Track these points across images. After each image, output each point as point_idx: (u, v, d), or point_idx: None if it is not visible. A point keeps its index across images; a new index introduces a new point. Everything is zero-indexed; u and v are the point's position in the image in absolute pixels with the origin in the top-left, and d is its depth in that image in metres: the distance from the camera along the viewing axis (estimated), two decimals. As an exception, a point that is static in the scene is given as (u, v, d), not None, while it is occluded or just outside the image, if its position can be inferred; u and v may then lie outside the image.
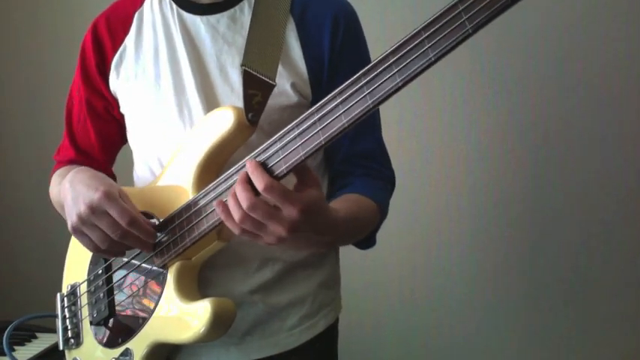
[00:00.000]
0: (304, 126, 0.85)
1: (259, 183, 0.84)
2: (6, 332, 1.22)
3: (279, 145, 0.87)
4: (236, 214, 0.85)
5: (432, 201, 1.90)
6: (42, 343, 1.61)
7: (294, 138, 0.85)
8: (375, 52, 1.14)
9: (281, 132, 0.87)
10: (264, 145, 0.89)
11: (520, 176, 1.82)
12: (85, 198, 0.98)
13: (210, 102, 1.07)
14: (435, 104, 1.86)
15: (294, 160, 0.85)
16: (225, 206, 0.87)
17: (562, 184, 1.78)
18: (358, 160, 1.13)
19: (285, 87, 1.05)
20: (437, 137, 1.87)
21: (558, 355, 1.84)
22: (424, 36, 0.75)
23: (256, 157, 0.89)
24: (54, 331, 1.65)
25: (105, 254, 1.06)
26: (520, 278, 1.85)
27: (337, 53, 1.08)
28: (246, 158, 0.90)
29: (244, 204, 0.84)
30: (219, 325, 0.97)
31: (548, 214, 1.81)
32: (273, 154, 0.87)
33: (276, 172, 0.87)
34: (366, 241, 1.14)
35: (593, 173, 1.74)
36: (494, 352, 1.90)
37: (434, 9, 0.75)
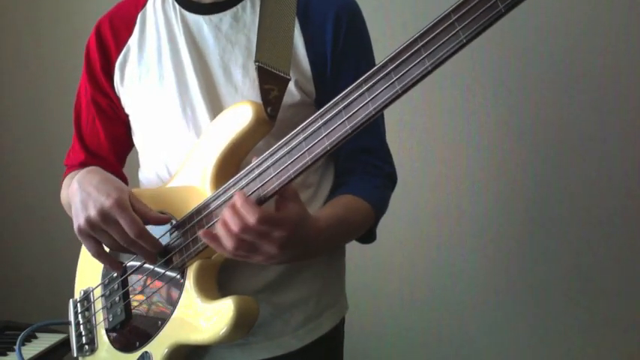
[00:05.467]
0: (293, 143, 0.89)
1: (251, 217, 0.87)
2: (20, 336, 1.22)
3: (270, 161, 0.91)
4: (229, 242, 0.89)
5: (433, 201, 1.90)
6: (42, 343, 1.61)
7: (284, 155, 0.89)
8: (376, 51, 1.14)
9: (272, 148, 0.91)
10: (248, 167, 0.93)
11: (520, 176, 1.82)
12: (96, 203, 0.98)
13: (213, 102, 1.07)
14: (435, 104, 1.86)
15: (285, 177, 0.89)
16: (213, 236, 0.91)
17: (562, 183, 1.78)
18: (360, 156, 1.13)
19: (289, 85, 1.05)
20: (437, 137, 1.87)
21: (559, 355, 1.84)
22: (420, 44, 0.76)
23: (243, 177, 0.93)
24: (54, 331, 1.66)
25: (104, 260, 1.04)
26: (521, 277, 1.85)
27: (340, 50, 1.08)
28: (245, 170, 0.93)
29: (237, 228, 0.87)
30: (242, 324, 0.95)
31: (548, 213, 1.81)
32: (264, 172, 0.91)
33: (264, 194, 0.91)
34: (365, 237, 1.15)
35: (594, 173, 1.74)
36: (496, 352, 1.90)
37: (433, 9, 0.75)
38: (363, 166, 1.13)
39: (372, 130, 1.13)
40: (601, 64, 1.69)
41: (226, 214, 0.89)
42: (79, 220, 1.00)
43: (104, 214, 0.97)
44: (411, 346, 1.98)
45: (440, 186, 1.88)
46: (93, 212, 0.98)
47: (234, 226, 0.87)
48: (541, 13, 1.72)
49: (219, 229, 0.90)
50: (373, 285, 1.94)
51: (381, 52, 0.88)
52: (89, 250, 1.03)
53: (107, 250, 1.03)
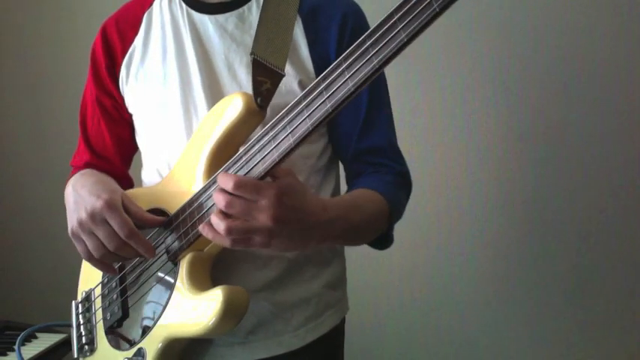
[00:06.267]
0: (276, 128, 0.89)
1: (228, 184, 0.85)
2: (20, 336, 1.22)
3: (257, 147, 0.90)
4: (221, 226, 0.87)
5: (433, 201, 1.90)
6: (42, 343, 1.61)
7: (270, 140, 0.89)
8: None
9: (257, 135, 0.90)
10: (239, 152, 0.92)
11: (520, 176, 1.82)
12: (87, 204, 0.98)
13: (216, 101, 1.07)
14: (435, 104, 1.86)
15: (270, 160, 0.88)
16: (209, 226, 0.89)
17: (562, 183, 1.78)
18: (366, 157, 1.13)
19: (292, 85, 1.06)
20: (437, 137, 1.87)
21: (559, 355, 1.84)
22: (396, 17, 0.76)
23: (231, 166, 0.93)
24: (54, 331, 1.66)
25: (96, 264, 1.04)
26: (521, 277, 1.85)
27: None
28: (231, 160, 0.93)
29: (221, 204, 0.86)
30: (232, 314, 0.93)
31: (548, 213, 1.81)
32: (250, 159, 0.91)
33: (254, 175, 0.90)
34: (382, 239, 1.11)
35: (594, 173, 1.74)
36: (496, 352, 1.90)
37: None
38: (372, 166, 1.12)
39: (377, 130, 1.14)
40: (601, 64, 1.69)
41: (214, 197, 0.88)
42: (71, 222, 1.01)
43: (94, 216, 0.97)
44: (411, 346, 1.98)
45: (440, 186, 1.88)
46: (83, 214, 0.98)
47: (221, 204, 0.86)
48: (541, 13, 1.72)
49: (212, 218, 0.88)
50: (373, 285, 1.94)
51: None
52: (81, 253, 1.03)
53: None
